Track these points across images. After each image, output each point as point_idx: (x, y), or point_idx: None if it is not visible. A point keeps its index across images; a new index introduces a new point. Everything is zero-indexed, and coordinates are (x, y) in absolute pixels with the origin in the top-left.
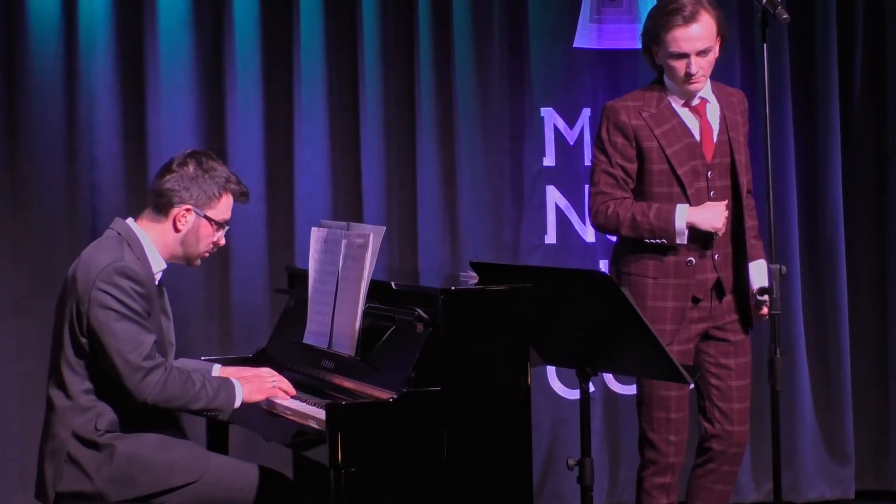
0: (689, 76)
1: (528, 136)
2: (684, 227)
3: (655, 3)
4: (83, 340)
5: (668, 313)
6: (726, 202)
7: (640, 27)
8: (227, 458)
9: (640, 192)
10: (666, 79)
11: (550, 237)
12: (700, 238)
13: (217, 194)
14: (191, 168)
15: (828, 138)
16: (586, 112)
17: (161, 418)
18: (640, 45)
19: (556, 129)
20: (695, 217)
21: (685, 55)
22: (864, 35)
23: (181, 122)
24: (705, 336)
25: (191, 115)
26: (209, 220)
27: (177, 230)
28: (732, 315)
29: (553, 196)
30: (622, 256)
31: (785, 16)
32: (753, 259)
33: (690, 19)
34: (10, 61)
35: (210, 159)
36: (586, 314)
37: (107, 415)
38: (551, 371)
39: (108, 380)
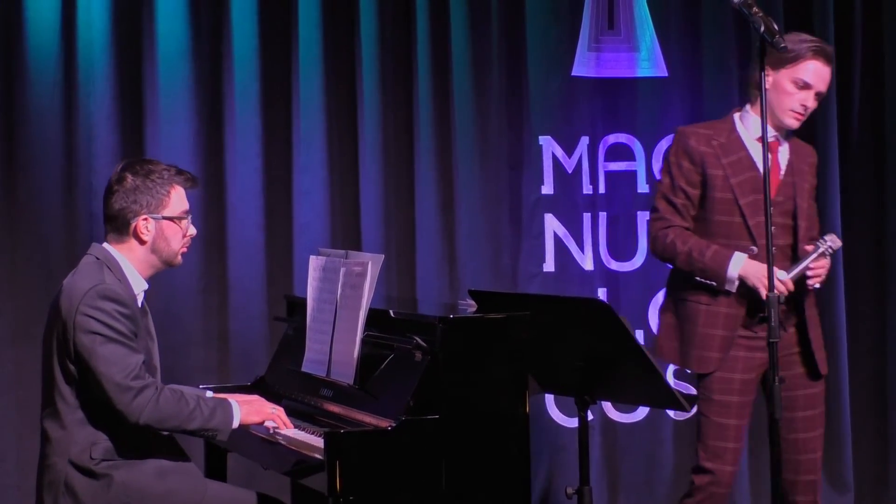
0: (802, 108)
1: (526, 164)
2: (735, 276)
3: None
4: (72, 368)
5: (717, 341)
6: (784, 279)
7: (637, 56)
8: (225, 485)
9: (703, 218)
10: (746, 112)
11: (549, 265)
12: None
13: (165, 192)
14: (129, 180)
15: (826, 164)
16: (585, 140)
17: (158, 443)
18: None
19: (555, 158)
20: (748, 270)
21: (809, 87)
22: (862, 59)
23: (180, 151)
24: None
25: (189, 144)
26: (168, 219)
27: (142, 242)
28: (796, 348)
29: (551, 224)
30: (679, 281)
31: (783, 44)
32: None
33: (829, 60)
34: (9, 90)
35: (144, 163)
36: (585, 342)
37: (101, 443)
38: (550, 399)
39: (100, 407)
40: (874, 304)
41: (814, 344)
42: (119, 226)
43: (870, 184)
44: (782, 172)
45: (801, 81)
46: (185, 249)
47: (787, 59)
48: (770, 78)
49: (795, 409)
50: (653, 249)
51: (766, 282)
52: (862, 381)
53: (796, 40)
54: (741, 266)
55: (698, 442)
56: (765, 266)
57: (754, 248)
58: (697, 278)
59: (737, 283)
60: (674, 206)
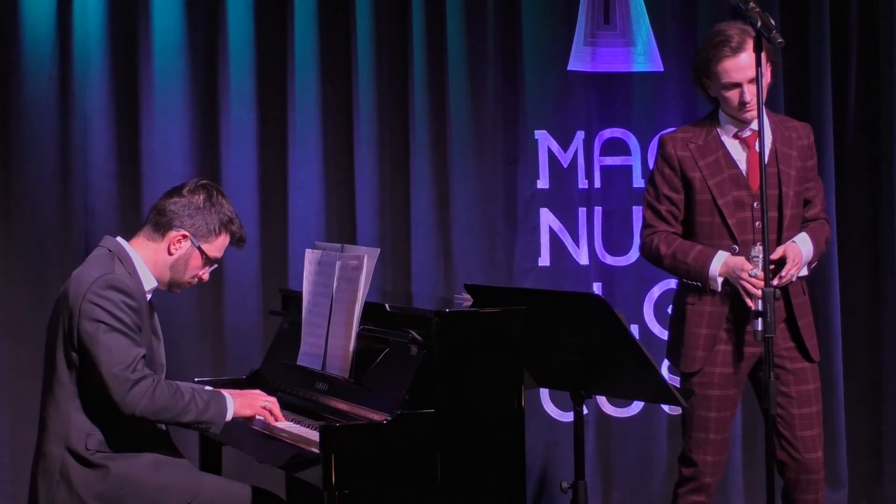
0: (743, 104)
1: (521, 158)
2: (717, 274)
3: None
4: (74, 356)
5: (701, 340)
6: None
7: (633, 50)
8: (220, 478)
9: (688, 221)
10: (720, 111)
11: (544, 260)
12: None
13: (217, 231)
14: (200, 197)
15: (822, 161)
16: (580, 135)
17: (152, 439)
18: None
19: (550, 152)
20: (727, 268)
21: (738, 84)
22: (858, 56)
23: (175, 145)
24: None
25: (184, 138)
26: (202, 252)
27: (170, 253)
28: (788, 343)
29: (547, 219)
30: (678, 283)
31: (780, 40)
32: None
33: (738, 49)
34: (5, 83)
35: (220, 195)
36: (580, 337)
37: (96, 435)
38: (544, 393)
39: (97, 396)
40: (868, 299)
41: (803, 332)
42: (161, 223)
43: (864, 182)
44: (765, 164)
45: (727, 85)
46: (187, 286)
47: (706, 72)
48: (710, 89)
49: (791, 406)
50: (643, 256)
51: (744, 281)
52: (856, 377)
53: (702, 50)
54: (722, 263)
55: (683, 433)
56: (742, 261)
57: (736, 247)
58: (684, 280)
59: (720, 280)
60: (658, 213)
